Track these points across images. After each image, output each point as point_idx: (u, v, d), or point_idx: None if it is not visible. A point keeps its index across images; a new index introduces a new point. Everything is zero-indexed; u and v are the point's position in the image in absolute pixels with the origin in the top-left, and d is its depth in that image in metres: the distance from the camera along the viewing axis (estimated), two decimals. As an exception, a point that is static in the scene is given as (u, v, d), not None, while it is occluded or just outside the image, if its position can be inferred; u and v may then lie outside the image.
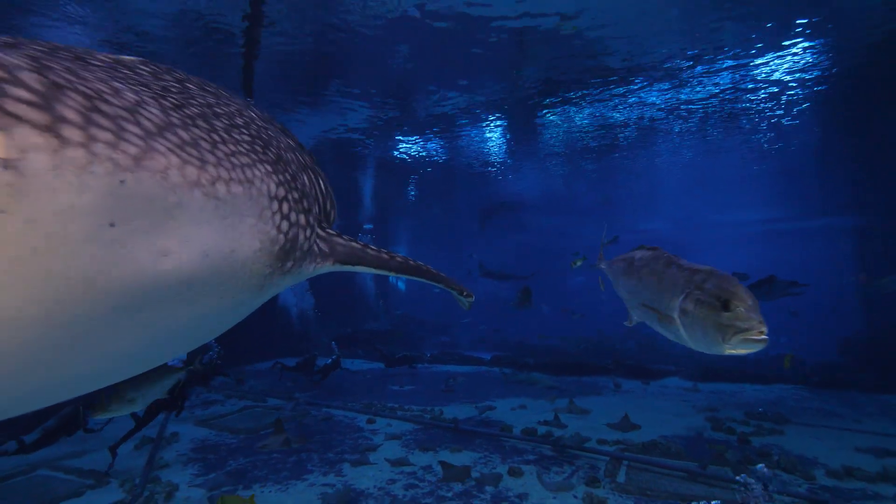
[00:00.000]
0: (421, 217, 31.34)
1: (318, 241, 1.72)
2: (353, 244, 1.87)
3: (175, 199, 1.02)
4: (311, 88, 12.21)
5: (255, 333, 13.93)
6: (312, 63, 10.62)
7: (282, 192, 1.42)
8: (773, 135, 16.57)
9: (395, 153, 18.13)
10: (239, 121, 1.47)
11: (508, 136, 16.68)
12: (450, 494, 6.26)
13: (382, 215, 29.05)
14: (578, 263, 9.58)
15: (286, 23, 8.98)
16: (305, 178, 1.80)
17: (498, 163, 19.74)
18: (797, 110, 14.30)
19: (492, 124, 15.25)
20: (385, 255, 1.91)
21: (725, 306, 2.76)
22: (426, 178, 21.92)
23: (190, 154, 1.10)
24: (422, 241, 40.25)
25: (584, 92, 12.87)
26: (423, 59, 10.65)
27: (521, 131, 16.19)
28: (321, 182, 2.06)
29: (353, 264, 1.83)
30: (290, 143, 1.97)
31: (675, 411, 10.51)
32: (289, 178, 1.50)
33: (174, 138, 1.08)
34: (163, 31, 9.01)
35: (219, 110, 1.42)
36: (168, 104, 1.18)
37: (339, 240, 1.85)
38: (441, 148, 17.61)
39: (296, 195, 1.51)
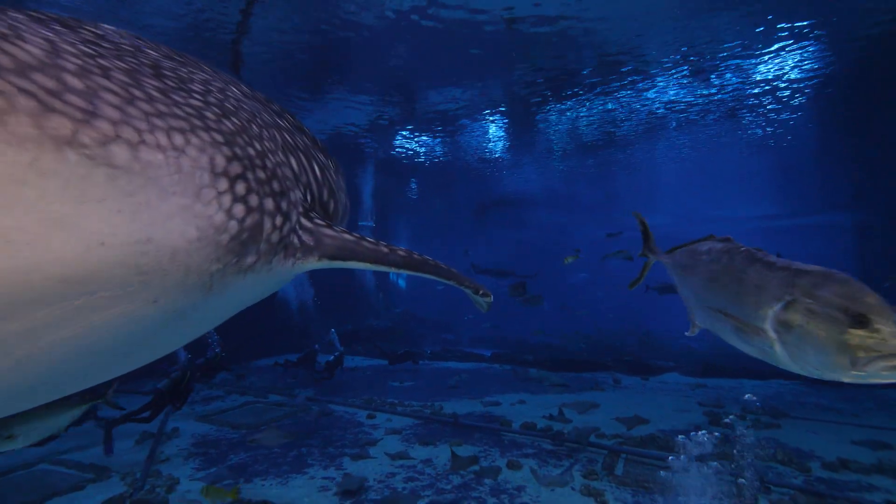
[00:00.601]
0: (421, 213, 31.37)
1: (299, 231, 1.50)
2: (345, 236, 1.62)
3: (25, 159, 0.76)
4: (311, 85, 12.25)
5: (255, 331, 13.96)
6: (313, 60, 10.65)
7: (236, 168, 1.18)
8: (772, 131, 16.59)
9: (396, 149, 18.17)
10: (196, 87, 1.25)
11: (508, 133, 16.72)
12: (449, 487, 6.31)
13: (383, 212, 29.09)
14: (570, 260, 9.64)
15: (287, 19, 9.01)
16: (292, 159, 1.61)
17: (498, 159, 19.77)
18: (797, 107, 14.31)
19: (492, 120, 15.29)
20: (384, 249, 1.68)
21: (859, 322, 2.10)
22: (426, 175, 21.96)
23: (67, 102, 0.85)
24: (422, 238, 40.28)
25: (584, 88, 12.90)
26: (424, 57, 10.68)
27: (522, 127, 16.24)
28: (316, 168, 1.89)
29: (345, 259, 1.60)
30: (282, 123, 1.78)
31: (674, 406, 10.56)
32: (251, 153, 1.27)
33: (47, 81, 0.83)
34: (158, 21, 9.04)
35: (169, 73, 1.20)
36: (74, 50, 0.95)
37: (328, 231, 1.59)
38: (441, 144, 17.66)
39: (261, 175, 1.28)
